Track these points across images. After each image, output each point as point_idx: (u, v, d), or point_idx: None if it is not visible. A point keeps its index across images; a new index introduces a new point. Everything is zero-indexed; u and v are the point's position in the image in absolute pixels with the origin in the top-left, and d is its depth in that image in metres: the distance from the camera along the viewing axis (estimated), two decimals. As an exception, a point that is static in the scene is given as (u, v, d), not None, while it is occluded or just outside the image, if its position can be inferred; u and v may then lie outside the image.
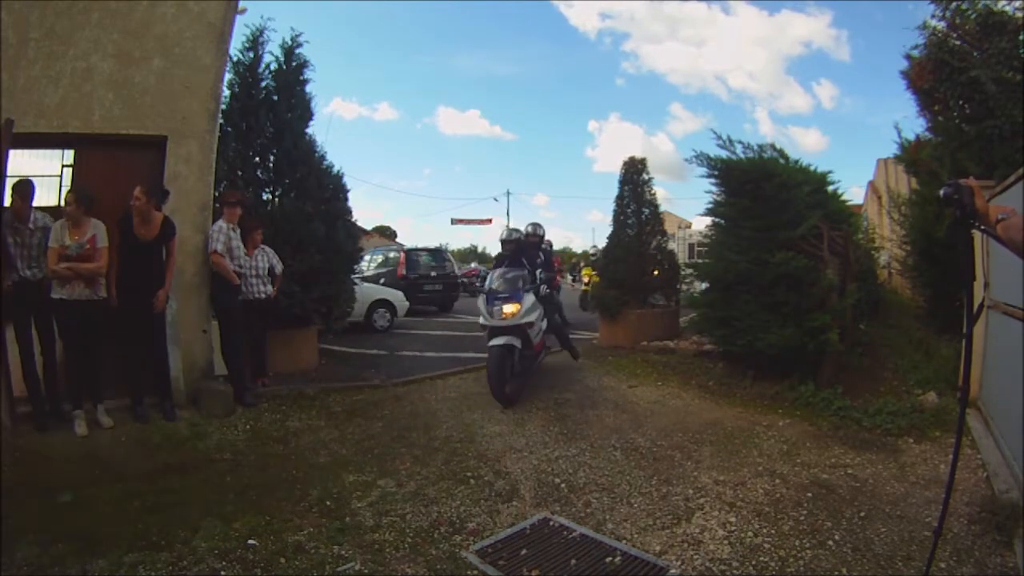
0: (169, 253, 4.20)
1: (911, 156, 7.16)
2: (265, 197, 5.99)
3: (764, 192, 5.19)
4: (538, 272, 5.62)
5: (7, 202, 3.74)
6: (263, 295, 5.12)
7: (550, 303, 5.99)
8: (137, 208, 4.01)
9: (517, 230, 6.30)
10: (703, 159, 5.66)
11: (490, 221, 41.58)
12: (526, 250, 6.08)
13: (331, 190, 6.22)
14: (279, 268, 5.34)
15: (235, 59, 5.81)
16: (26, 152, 4.21)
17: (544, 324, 5.60)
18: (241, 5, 5.07)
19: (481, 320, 5.16)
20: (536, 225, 6.55)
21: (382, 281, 11.92)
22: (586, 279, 12.71)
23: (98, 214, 3.95)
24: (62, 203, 3.87)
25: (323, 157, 6.23)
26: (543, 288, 5.55)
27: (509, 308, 5.01)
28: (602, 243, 9.56)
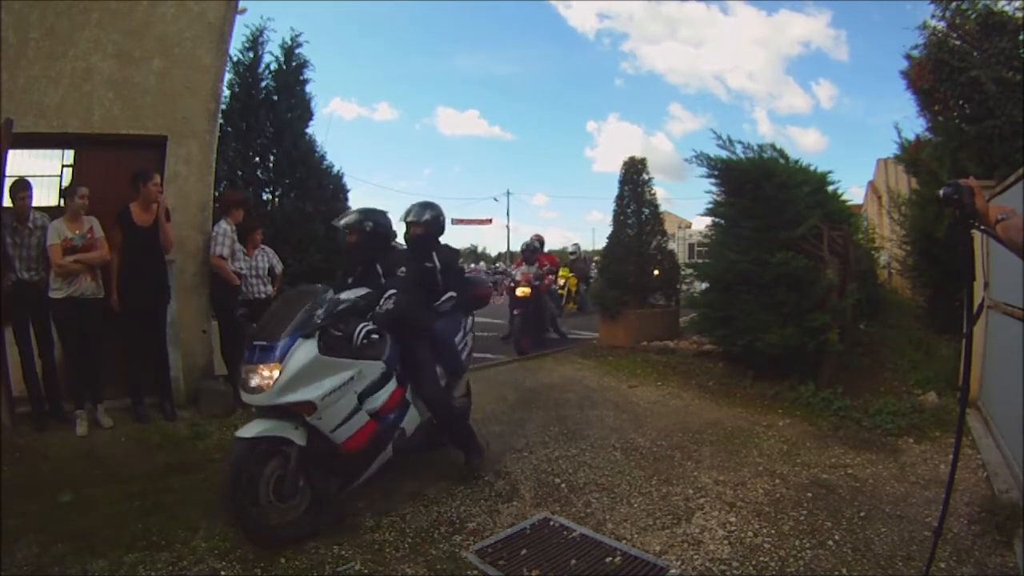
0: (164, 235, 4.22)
1: (911, 156, 7.16)
2: (265, 197, 6.00)
3: (764, 192, 5.19)
4: (387, 296, 2.96)
5: (7, 201, 3.75)
6: (263, 295, 5.12)
7: (444, 351, 3.39)
8: (155, 196, 4.09)
9: (375, 212, 3.39)
10: (703, 159, 5.66)
11: (490, 221, 41.64)
12: (389, 253, 3.37)
13: (331, 190, 6.24)
14: (279, 268, 5.33)
15: (235, 59, 5.84)
16: (26, 152, 4.22)
17: (376, 402, 2.89)
18: (241, 5, 5.07)
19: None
20: (426, 206, 3.67)
21: (382, 281, 11.95)
22: (562, 281, 11.44)
23: (98, 214, 3.96)
24: (76, 197, 3.85)
25: (323, 157, 6.26)
26: (359, 332, 2.76)
27: (262, 373, 2.54)
28: (601, 243, 9.50)
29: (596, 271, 19.24)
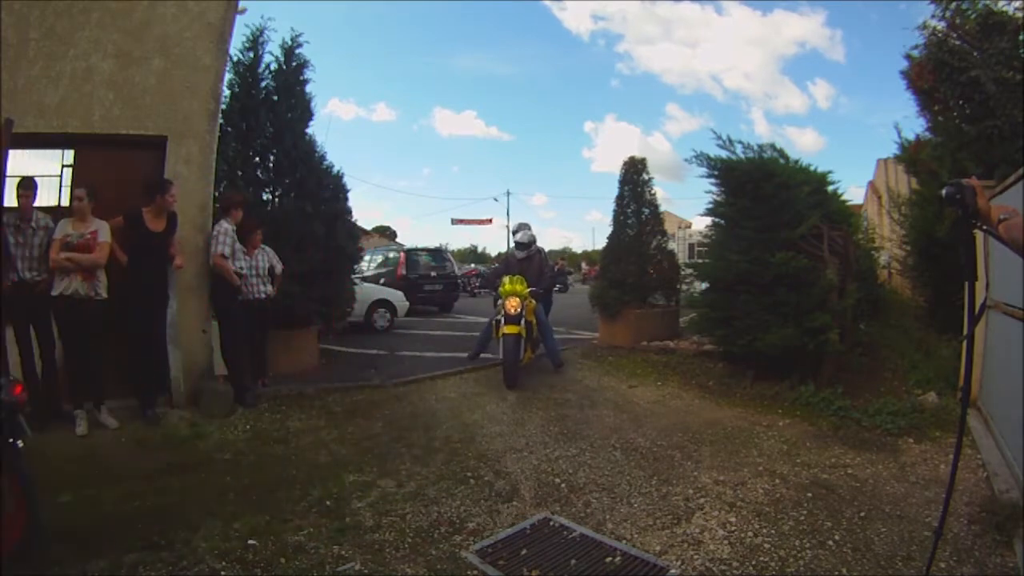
0: (171, 244, 4.30)
1: (911, 156, 7.16)
2: (265, 197, 5.99)
3: (764, 192, 5.19)
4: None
5: (13, 200, 3.75)
6: (263, 295, 5.12)
7: None
8: (172, 205, 4.22)
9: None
10: (703, 159, 5.66)
11: (490, 221, 41.84)
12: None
13: (331, 190, 6.23)
14: (279, 268, 5.34)
15: (235, 59, 5.81)
16: (26, 152, 4.22)
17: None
18: (241, 5, 5.07)
19: None
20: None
21: (382, 281, 11.92)
22: (513, 307, 5.55)
23: (98, 214, 3.97)
24: (72, 199, 3.89)
25: (323, 157, 6.24)
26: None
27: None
28: (601, 243, 9.35)
29: (563, 280, 16.92)
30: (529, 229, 6.60)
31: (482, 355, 6.42)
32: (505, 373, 5.45)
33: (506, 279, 5.99)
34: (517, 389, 5.30)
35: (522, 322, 5.56)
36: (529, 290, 5.89)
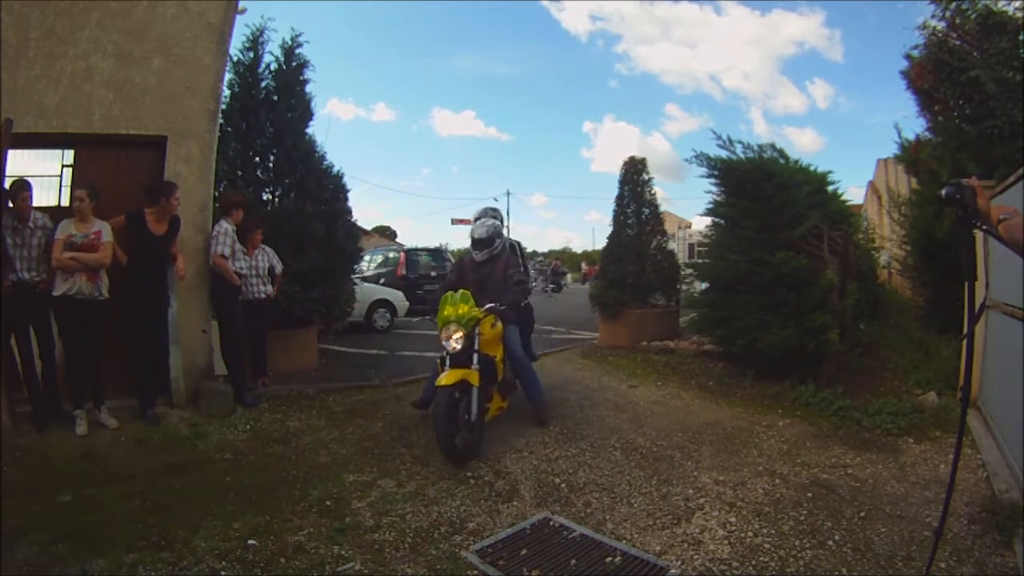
0: (173, 244, 4.31)
1: (911, 156, 7.17)
2: (265, 197, 5.99)
3: (764, 192, 5.19)
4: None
5: (8, 201, 3.75)
6: (263, 295, 5.12)
7: None
8: (175, 209, 4.23)
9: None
10: (703, 159, 5.66)
11: (490, 221, 41.62)
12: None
13: (331, 190, 6.23)
14: (279, 268, 5.34)
15: (235, 59, 5.81)
16: (26, 152, 4.21)
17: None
18: (241, 5, 5.07)
19: None
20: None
21: (382, 281, 11.92)
22: (454, 341, 3.71)
23: (99, 213, 3.97)
24: (73, 200, 3.89)
25: (323, 157, 6.24)
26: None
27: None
28: (601, 243, 9.36)
29: (552, 282, 15.67)
30: (495, 217, 4.68)
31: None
32: (440, 445, 3.42)
33: (447, 298, 3.93)
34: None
35: (474, 363, 3.68)
36: (485, 308, 3.88)
